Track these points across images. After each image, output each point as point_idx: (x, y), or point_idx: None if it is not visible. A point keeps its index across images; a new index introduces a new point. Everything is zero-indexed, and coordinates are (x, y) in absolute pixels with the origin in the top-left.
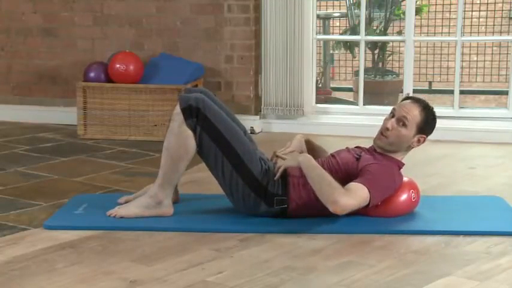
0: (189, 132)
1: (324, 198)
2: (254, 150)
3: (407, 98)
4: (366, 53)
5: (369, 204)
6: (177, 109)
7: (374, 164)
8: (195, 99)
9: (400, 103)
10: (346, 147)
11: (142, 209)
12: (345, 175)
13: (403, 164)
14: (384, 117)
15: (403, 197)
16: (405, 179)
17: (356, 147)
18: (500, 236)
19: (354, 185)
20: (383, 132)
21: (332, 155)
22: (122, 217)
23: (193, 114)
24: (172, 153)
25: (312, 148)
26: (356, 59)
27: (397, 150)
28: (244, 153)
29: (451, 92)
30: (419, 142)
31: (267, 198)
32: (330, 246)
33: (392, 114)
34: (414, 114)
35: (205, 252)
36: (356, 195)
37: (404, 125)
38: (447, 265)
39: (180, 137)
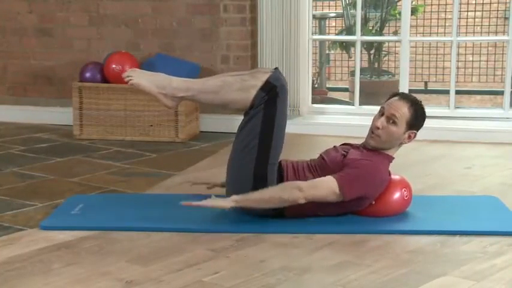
0: (251, 99)
1: (287, 197)
2: (279, 156)
3: (395, 94)
4: (361, 53)
5: (344, 198)
6: (265, 77)
7: (358, 161)
8: (282, 86)
9: (389, 101)
10: (334, 146)
11: (153, 86)
12: (332, 173)
13: (393, 158)
14: None
15: (396, 195)
16: (397, 177)
17: (344, 144)
18: (496, 236)
19: (320, 178)
20: (374, 131)
21: (321, 156)
22: (132, 83)
23: (269, 94)
24: (226, 90)
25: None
26: (352, 59)
27: (389, 148)
28: (274, 155)
29: (447, 92)
30: (410, 138)
31: None
32: (326, 247)
33: (381, 113)
34: (403, 111)
35: (202, 253)
36: (318, 184)
37: (394, 123)
38: (443, 265)
39: (242, 92)
